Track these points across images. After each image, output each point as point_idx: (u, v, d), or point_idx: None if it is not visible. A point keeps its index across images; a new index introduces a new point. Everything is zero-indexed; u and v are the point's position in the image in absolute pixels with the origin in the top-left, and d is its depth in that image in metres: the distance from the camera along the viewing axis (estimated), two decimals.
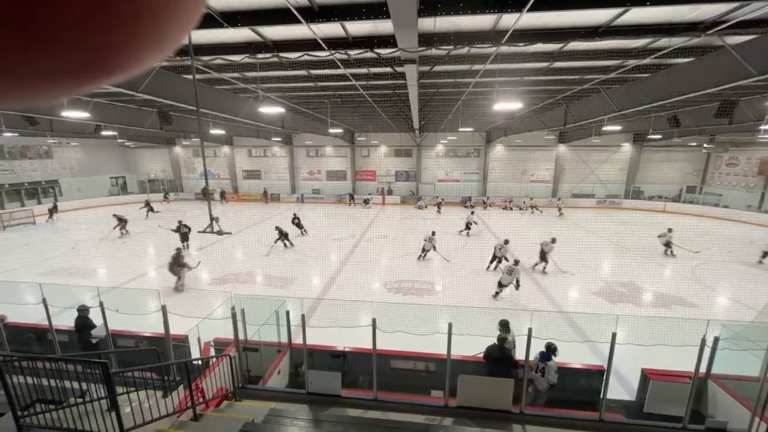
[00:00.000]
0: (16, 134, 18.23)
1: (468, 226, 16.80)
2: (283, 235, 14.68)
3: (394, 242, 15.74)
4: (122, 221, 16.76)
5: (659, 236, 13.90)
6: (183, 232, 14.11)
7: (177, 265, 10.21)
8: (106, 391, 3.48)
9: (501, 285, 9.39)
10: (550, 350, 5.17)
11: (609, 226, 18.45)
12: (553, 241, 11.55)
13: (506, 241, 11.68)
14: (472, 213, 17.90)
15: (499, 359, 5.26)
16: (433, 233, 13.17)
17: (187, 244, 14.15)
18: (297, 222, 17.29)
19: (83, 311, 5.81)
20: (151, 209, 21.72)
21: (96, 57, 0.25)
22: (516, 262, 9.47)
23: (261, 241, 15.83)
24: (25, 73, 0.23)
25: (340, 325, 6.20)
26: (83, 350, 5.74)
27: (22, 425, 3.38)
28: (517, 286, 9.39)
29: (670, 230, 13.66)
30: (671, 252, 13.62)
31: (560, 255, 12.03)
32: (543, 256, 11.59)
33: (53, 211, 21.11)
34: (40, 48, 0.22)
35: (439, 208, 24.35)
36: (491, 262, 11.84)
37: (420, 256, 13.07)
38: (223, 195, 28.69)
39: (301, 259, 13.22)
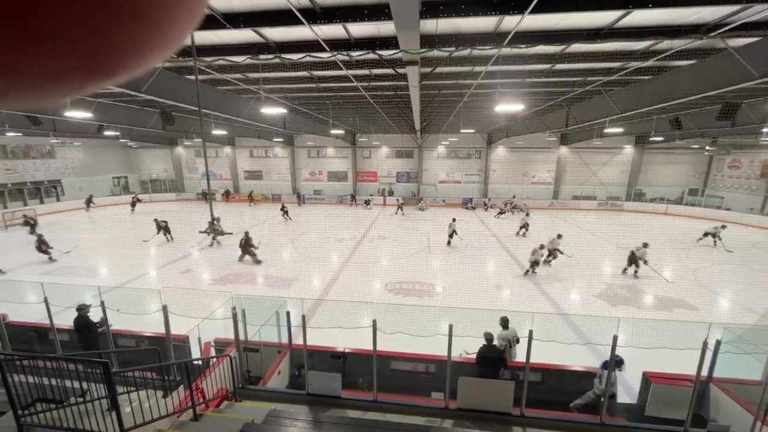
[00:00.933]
0: (20, 134, 18.33)
1: (525, 227, 16.91)
2: (162, 228, 15.35)
3: (395, 243, 15.73)
4: (30, 223, 16.38)
5: (713, 227, 15.01)
6: (162, 226, 15.45)
7: (248, 245, 12.31)
8: (106, 391, 3.48)
9: (531, 264, 11.27)
10: (615, 361, 4.66)
11: (610, 228, 18.39)
12: (645, 245, 11.27)
13: (559, 236, 12.25)
14: (527, 215, 18.02)
15: (488, 359, 5.23)
16: (454, 219, 14.95)
17: (171, 236, 15.58)
18: (285, 211, 20.45)
19: (83, 310, 5.80)
20: (134, 204, 22.90)
21: (97, 57, 0.25)
22: (541, 246, 11.38)
23: (262, 241, 15.84)
24: (26, 73, 0.23)
25: (340, 326, 6.20)
26: (84, 350, 5.74)
27: (22, 424, 3.38)
28: (536, 266, 11.26)
29: (724, 226, 14.85)
30: (714, 243, 14.81)
31: (562, 256, 12.01)
32: (634, 260, 11.37)
33: (89, 202, 23.20)
34: (41, 47, 0.22)
35: (400, 209, 23.25)
36: (548, 257, 12.58)
37: (448, 241, 14.86)
38: (251, 197, 27.77)
39: (302, 260, 13.23)
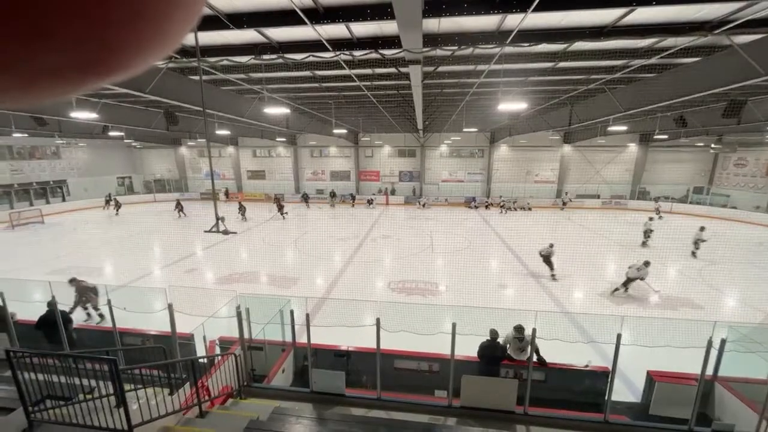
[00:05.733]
0: (26, 135, 18.52)
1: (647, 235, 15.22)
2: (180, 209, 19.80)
3: (398, 242, 15.75)
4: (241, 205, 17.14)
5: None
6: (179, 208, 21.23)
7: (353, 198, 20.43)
8: (114, 388, 3.53)
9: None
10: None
11: (614, 227, 18.31)
12: (647, 264, 9.60)
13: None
14: (657, 218, 16.71)
15: (492, 357, 5.22)
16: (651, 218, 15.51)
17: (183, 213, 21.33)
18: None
19: (51, 306, 5.71)
20: (181, 208, 22.30)
21: (96, 54, 0.25)
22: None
23: (265, 240, 15.94)
24: (26, 71, 0.23)
25: (344, 324, 6.22)
26: (51, 345, 5.64)
27: (32, 420, 3.44)
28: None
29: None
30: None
31: (564, 256, 11.97)
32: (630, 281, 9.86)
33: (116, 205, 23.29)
34: (40, 45, 0.22)
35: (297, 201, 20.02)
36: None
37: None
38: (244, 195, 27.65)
39: (305, 259, 13.28)
